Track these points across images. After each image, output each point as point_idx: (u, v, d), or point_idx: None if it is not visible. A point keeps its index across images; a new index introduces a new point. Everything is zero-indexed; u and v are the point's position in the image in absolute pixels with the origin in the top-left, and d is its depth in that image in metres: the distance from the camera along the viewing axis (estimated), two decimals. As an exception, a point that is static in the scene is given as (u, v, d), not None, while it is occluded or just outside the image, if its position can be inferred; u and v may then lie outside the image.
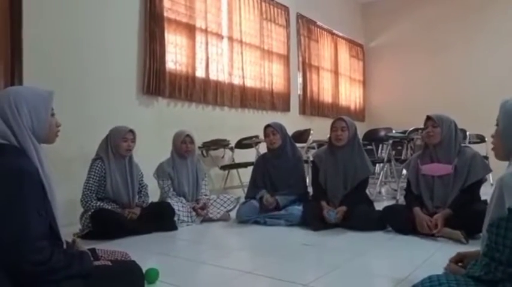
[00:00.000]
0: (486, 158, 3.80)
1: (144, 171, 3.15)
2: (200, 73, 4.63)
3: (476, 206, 2.41)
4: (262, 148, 4.02)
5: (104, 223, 2.66)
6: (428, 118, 2.69)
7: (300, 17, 6.48)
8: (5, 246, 1.14)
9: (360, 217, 2.79)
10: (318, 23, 6.95)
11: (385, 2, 8.06)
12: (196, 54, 4.57)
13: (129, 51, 3.94)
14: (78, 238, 2.65)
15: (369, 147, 5.22)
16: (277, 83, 5.89)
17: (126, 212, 2.87)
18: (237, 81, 5.16)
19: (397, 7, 7.86)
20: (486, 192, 2.12)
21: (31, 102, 1.31)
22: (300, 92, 6.46)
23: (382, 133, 5.24)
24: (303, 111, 6.47)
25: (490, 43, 6.89)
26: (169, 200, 3.15)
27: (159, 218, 2.93)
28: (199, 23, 4.63)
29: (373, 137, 5.39)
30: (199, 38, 4.63)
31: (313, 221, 2.88)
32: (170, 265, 2.10)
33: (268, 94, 5.67)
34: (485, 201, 2.43)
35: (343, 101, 7.65)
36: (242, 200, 3.46)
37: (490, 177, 4.32)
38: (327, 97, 7.15)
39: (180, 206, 3.14)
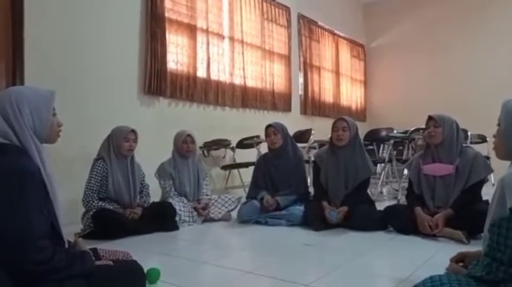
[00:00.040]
0: (488, 158, 3.79)
1: (145, 171, 3.15)
2: (201, 73, 4.64)
3: (477, 206, 2.41)
4: (264, 148, 4.01)
5: (105, 223, 2.67)
6: (430, 118, 2.68)
7: (301, 17, 6.48)
8: (8, 245, 1.15)
9: (361, 217, 2.79)
10: (319, 23, 6.95)
11: (387, 2, 8.06)
12: (198, 54, 4.57)
13: (131, 52, 3.95)
14: (80, 237, 2.65)
15: (370, 147, 5.22)
16: (279, 83, 5.89)
17: (127, 212, 2.87)
18: (238, 81, 5.16)
19: (399, 7, 7.85)
20: (488, 192, 2.11)
21: (33, 102, 1.31)
22: (301, 92, 6.46)
23: (384, 133, 5.23)
24: (304, 111, 6.46)
25: (491, 43, 6.88)
26: (170, 200, 3.15)
27: (160, 218, 2.94)
28: (200, 23, 4.63)
29: (374, 137, 5.39)
30: (201, 38, 4.64)
31: (315, 221, 2.88)
32: (171, 265, 2.10)
33: (269, 94, 5.67)
34: (486, 201, 2.42)
35: (345, 101, 7.65)
36: (243, 200, 3.46)
37: (492, 177, 4.32)
38: (328, 97, 7.15)
39: (181, 206, 3.14)
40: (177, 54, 4.34)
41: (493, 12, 6.89)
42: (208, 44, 4.72)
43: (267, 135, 3.36)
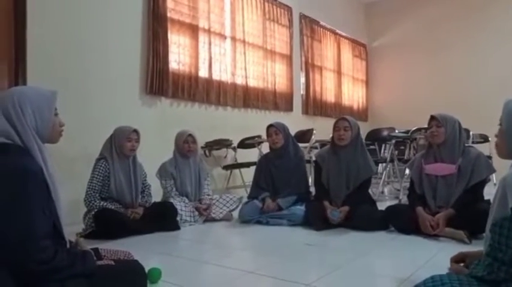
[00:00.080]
0: (490, 157, 3.78)
1: (147, 171, 3.15)
2: (203, 73, 4.64)
3: (479, 206, 2.40)
4: (265, 148, 4.02)
5: (107, 223, 2.67)
6: (433, 118, 2.68)
7: (303, 17, 6.48)
8: (10, 245, 1.15)
9: (363, 216, 2.79)
10: (321, 23, 6.95)
11: (388, 2, 8.05)
12: (199, 54, 4.58)
13: (132, 52, 3.95)
14: (81, 237, 2.66)
15: (371, 147, 5.21)
16: (280, 83, 5.89)
17: (129, 212, 2.87)
18: (239, 81, 5.17)
19: (400, 7, 7.84)
20: (489, 192, 2.11)
21: (35, 102, 1.32)
22: (302, 92, 6.46)
23: (385, 133, 5.22)
24: (305, 111, 6.46)
25: (493, 42, 6.87)
26: (172, 200, 3.16)
27: (161, 218, 2.94)
28: (202, 23, 4.64)
29: (376, 136, 5.38)
30: (202, 38, 4.64)
31: (316, 221, 2.87)
32: (173, 265, 2.10)
33: (271, 94, 5.67)
34: (488, 201, 2.42)
35: (346, 100, 7.64)
36: (245, 200, 3.46)
37: (493, 177, 4.31)
38: (329, 97, 7.15)
39: (182, 206, 3.14)
40: (179, 54, 4.35)
41: (495, 12, 6.88)
42: (210, 44, 4.72)
43: (268, 135, 3.36)
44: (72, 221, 2.64)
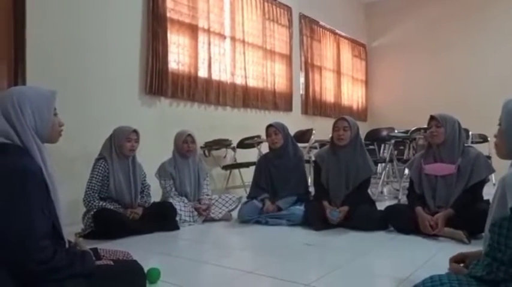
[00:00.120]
0: (489, 157, 3.79)
1: (146, 171, 3.15)
2: (202, 73, 4.64)
3: (478, 206, 2.41)
4: (264, 148, 4.02)
5: (106, 223, 2.67)
6: (432, 118, 2.68)
7: (302, 17, 6.48)
8: (10, 245, 1.15)
9: (362, 216, 2.79)
10: (321, 23, 6.95)
11: (388, 2, 8.05)
12: (199, 54, 4.58)
13: (132, 52, 3.95)
14: (80, 237, 2.66)
15: (371, 147, 5.21)
16: (280, 83, 5.89)
17: (128, 212, 2.87)
18: (239, 81, 5.17)
19: (400, 7, 7.84)
20: (488, 192, 2.11)
21: (34, 102, 1.32)
22: (302, 92, 6.46)
23: (384, 133, 5.23)
24: (305, 111, 6.46)
25: (493, 42, 6.87)
26: (171, 200, 3.16)
27: (161, 218, 2.94)
28: (201, 23, 4.63)
29: (375, 136, 5.38)
30: (202, 38, 4.64)
31: (315, 221, 2.88)
32: (172, 265, 2.10)
33: (270, 94, 5.67)
34: (487, 201, 2.42)
35: (346, 100, 7.64)
36: (244, 200, 3.47)
37: (493, 177, 4.31)
38: (329, 97, 7.15)
39: (182, 206, 3.14)
40: (178, 54, 4.35)
41: (495, 12, 6.88)
42: (209, 44, 4.72)
43: (267, 135, 3.36)
44: (72, 221, 2.64)
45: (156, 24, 4.06)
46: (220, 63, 4.89)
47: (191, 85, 4.47)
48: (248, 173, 4.08)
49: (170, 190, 3.29)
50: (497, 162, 1.69)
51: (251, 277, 1.88)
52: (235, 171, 4.76)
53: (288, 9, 6.13)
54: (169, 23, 4.23)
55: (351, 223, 2.82)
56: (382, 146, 5.67)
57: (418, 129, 4.84)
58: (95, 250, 1.54)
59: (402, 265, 2.01)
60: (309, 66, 6.57)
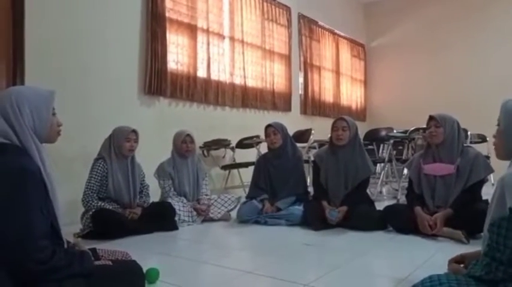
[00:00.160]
0: (488, 157, 3.79)
1: (145, 171, 3.15)
2: (201, 73, 4.64)
3: (477, 205, 2.41)
4: (263, 148, 4.02)
5: (104, 223, 2.66)
6: (431, 118, 2.68)
7: (301, 17, 6.48)
8: (9, 244, 1.15)
9: (361, 216, 2.79)
10: (320, 22, 6.95)
11: (387, 2, 8.05)
12: (198, 54, 4.57)
13: (131, 52, 3.95)
14: (79, 237, 2.66)
15: (370, 147, 5.23)
16: (279, 83, 5.89)
17: (127, 212, 2.87)
18: (238, 81, 5.17)
19: (399, 7, 7.85)
20: (487, 192, 2.11)
21: (33, 102, 1.32)
22: (301, 92, 6.46)
23: (383, 133, 5.24)
24: (304, 111, 6.46)
25: (492, 42, 6.88)
26: (170, 200, 3.15)
27: (160, 218, 2.93)
28: (200, 23, 4.63)
29: (374, 136, 5.39)
30: (201, 38, 4.64)
31: (314, 221, 2.88)
32: (171, 265, 2.10)
33: (269, 94, 5.67)
34: (486, 201, 2.42)
35: (345, 100, 7.65)
36: (243, 200, 3.47)
37: (491, 177, 4.31)
38: (328, 97, 7.15)
39: (180, 206, 3.14)
40: (177, 54, 4.34)
41: (494, 12, 6.88)
42: (208, 44, 4.72)
43: (266, 135, 3.36)
44: (70, 221, 2.65)
45: (155, 24, 4.06)
46: (219, 63, 4.89)
47: (190, 85, 4.47)
48: (247, 173, 4.08)
49: (169, 190, 3.29)
50: (496, 162, 1.69)
51: (250, 277, 1.88)
52: (234, 171, 4.76)
53: (287, 9, 6.13)
54: (168, 22, 4.22)
55: (350, 223, 2.82)
56: (381, 146, 5.68)
57: (417, 130, 4.85)
58: (93, 250, 1.54)
59: (401, 265, 2.02)
60: (307, 66, 6.57)
